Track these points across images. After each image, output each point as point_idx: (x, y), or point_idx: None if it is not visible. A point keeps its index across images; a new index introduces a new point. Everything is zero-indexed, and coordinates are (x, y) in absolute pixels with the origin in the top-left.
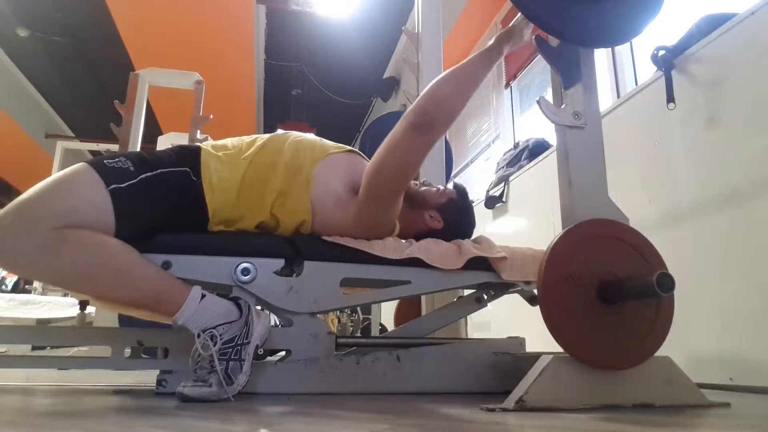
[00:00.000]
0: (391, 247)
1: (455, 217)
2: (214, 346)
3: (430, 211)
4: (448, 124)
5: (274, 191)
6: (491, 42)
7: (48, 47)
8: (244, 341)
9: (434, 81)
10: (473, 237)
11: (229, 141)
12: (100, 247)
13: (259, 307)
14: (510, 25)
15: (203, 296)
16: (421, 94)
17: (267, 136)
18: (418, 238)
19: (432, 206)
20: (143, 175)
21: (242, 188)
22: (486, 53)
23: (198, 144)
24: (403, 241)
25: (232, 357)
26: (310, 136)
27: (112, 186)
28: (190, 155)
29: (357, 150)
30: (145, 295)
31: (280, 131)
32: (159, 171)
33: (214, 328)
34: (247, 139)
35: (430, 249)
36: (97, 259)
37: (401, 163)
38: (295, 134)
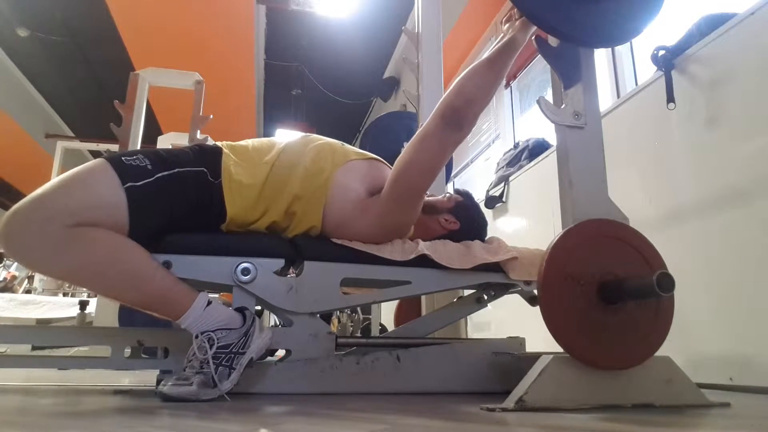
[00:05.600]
0: (399, 249)
1: (469, 215)
2: (211, 349)
3: (444, 214)
4: (476, 119)
5: (290, 194)
6: (513, 29)
7: (48, 47)
8: (240, 351)
9: (461, 76)
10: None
11: (249, 143)
12: (111, 247)
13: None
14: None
15: (209, 303)
16: (449, 90)
17: (287, 139)
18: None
19: (443, 211)
20: (159, 174)
21: (263, 192)
22: (510, 42)
23: (218, 144)
24: (411, 242)
25: (224, 363)
26: (333, 141)
27: (128, 184)
28: (209, 156)
29: (381, 158)
30: (152, 298)
31: (278, 132)
32: (176, 170)
33: (213, 331)
34: (266, 141)
35: (437, 249)
36: (108, 259)
37: (430, 160)
38: (318, 138)
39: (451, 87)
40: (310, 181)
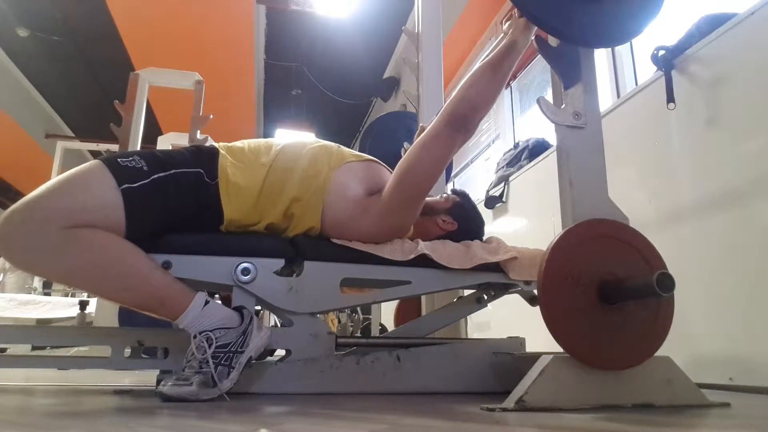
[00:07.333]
0: (399, 249)
1: (466, 215)
2: (209, 348)
3: (441, 215)
4: (481, 120)
5: (288, 197)
6: (514, 29)
7: (48, 47)
8: (238, 349)
9: (464, 82)
10: (484, 237)
11: (246, 144)
12: (108, 248)
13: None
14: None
15: (207, 302)
16: (453, 96)
17: (284, 141)
18: None
19: (441, 212)
20: (156, 176)
21: (261, 195)
22: (512, 45)
23: (215, 145)
24: (411, 242)
25: (223, 362)
26: (329, 143)
27: (124, 186)
28: (206, 157)
29: (377, 160)
30: (150, 299)
31: (278, 132)
32: (172, 171)
33: (211, 331)
34: (263, 142)
35: (437, 249)
36: (105, 261)
37: (434, 163)
38: (313, 141)
39: (455, 92)
40: (308, 183)
